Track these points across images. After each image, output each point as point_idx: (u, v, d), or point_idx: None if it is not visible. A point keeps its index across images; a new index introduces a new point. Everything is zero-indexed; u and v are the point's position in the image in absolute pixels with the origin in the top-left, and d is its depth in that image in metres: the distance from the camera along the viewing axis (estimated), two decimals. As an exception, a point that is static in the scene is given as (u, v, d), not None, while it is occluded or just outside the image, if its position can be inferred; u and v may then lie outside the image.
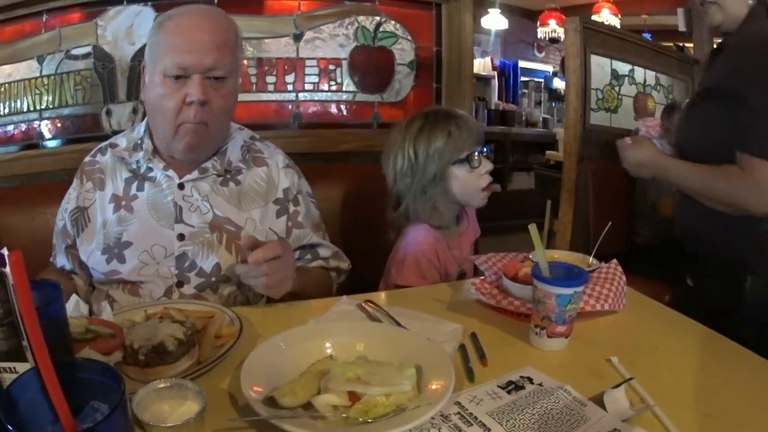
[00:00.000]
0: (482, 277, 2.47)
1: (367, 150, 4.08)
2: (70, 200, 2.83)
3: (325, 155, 4.05)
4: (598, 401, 1.62)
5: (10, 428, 1.06)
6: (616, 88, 6.24)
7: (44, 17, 3.97)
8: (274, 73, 4.04)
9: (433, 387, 1.62)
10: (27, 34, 3.98)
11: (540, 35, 13.92)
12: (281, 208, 2.80)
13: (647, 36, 9.24)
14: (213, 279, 2.62)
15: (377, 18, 4.12)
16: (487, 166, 2.87)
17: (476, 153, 2.84)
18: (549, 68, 15.22)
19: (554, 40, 13.78)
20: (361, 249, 3.21)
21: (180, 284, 2.62)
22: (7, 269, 1.17)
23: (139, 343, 1.80)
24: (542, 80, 15.22)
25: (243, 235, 2.63)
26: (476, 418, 1.58)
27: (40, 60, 3.98)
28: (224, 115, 2.60)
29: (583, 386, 1.71)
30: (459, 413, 1.59)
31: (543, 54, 15.09)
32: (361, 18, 4.10)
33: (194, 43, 2.43)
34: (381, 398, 1.56)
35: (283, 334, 1.89)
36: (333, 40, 4.08)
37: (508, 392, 1.70)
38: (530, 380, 1.76)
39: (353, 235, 3.50)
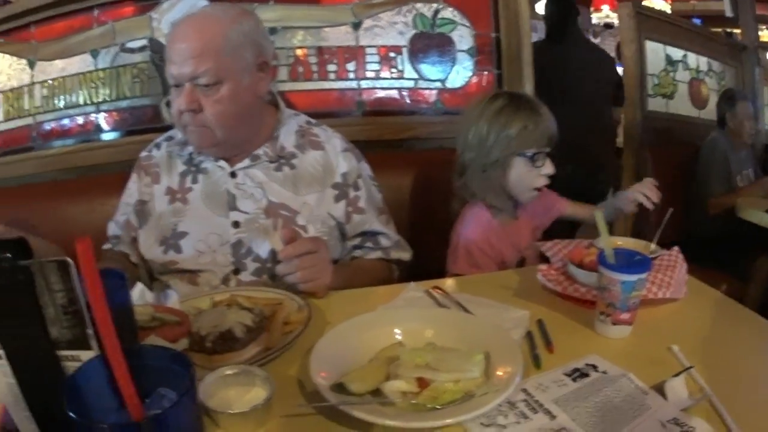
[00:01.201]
0: (549, 264, 2.43)
1: (432, 137, 4.06)
2: (131, 194, 2.90)
3: (389, 143, 4.02)
4: (659, 390, 1.61)
5: (72, 416, 1.08)
6: (671, 74, 6.18)
7: (95, 12, 4.01)
8: (335, 61, 4.02)
9: (501, 373, 1.60)
10: (78, 30, 4.03)
11: (594, 21, 13.80)
12: (340, 192, 2.79)
13: (697, 21, 9.13)
14: (269, 265, 2.63)
15: (435, 5, 4.07)
16: (549, 169, 2.83)
17: (543, 154, 2.80)
18: (606, 54, 15.09)
19: (608, 26, 13.62)
20: (426, 236, 3.19)
21: (237, 271, 2.65)
22: (70, 260, 1.21)
23: (207, 330, 1.82)
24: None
25: (297, 220, 2.67)
26: (542, 405, 1.58)
27: (95, 54, 4.02)
28: (227, 118, 2.57)
29: (645, 374, 1.69)
30: (525, 400, 1.59)
31: (599, 39, 14.94)
32: (418, 5, 4.06)
33: (176, 54, 2.49)
34: (449, 384, 1.56)
35: (352, 320, 1.90)
36: (392, 28, 4.04)
37: (574, 380, 1.69)
38: (595, 368, 1.75)
39: (418, 222, 3.48)
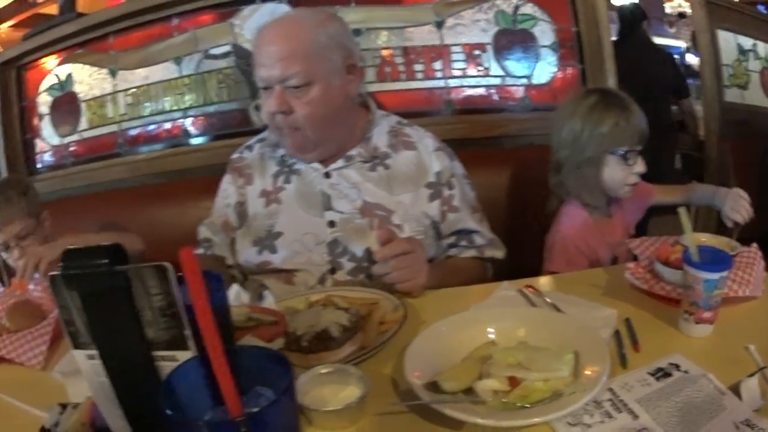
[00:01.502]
0: (637, 261, 2.42)
1: (522, 134, 4.03)
2: (228, 195, 2.96)
3: (480, 141, 4.00)
4: (735, 390, 1.60)
5: (170, 413, 1.12)
6: (744, 64, 6.04)
7: (174, 21, 4.13)
8: (421, 60, 4.03)
9: (589, 373, 1.62)
10: (157, 38, 4.15)
11: (668, 10, 13.64)
12: (434, 192, 2.79)
13: (761, 8, 8.97)
14: (365, 264, 2.64)
15: (515, 1, 4.05)
16: (640, 167, 2.82)
17: (635, 152, 2.79)
18: (682, 44, 14.86)
19: (682, 15, 13.43)
20: (519, 234, 3.19)
21: (333, 271, 2.67)
22: (168, 264, 1.25)
23: (303, 330, 1.87)
24: (677, 56, 14.83)
25: (393, 219, 2.69)
26: (626, 404, 1.59)
27: (178, 61, 4.12)
28: (319, 119, 2.60)
29: (723, 373, 1.68)
30: (611, 400, 1.61)
31: (674, 29, 14.76)
32: (498, 2, 4.04)
33: (265, 57, 2.54)
34: (539, 384, 1.58)
35: (446, 319, 1.93)
36: (475, 26, 4.03)
37: (657, 379, 1.69)
38: (677, 367, 1.74)
39: (511, 220, 3.47)
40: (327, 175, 2.75)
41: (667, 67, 6.73)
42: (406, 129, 2.91)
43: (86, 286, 1.31)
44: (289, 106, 2.52)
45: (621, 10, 6.59)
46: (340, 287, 2.48)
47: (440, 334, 1.85)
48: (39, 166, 4.72)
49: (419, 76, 4.05)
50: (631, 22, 6.52)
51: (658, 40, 14.09)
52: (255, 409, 1.16)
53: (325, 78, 2.55)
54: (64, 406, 1.65)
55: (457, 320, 1.92)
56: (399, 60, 4.03)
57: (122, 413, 1.42)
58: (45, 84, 4.59)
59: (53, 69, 4.56)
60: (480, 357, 1.72)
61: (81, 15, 4.42)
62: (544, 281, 2.47)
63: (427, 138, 2.89)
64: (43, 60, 4.58)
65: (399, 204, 2.72)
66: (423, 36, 4.02)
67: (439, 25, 4.00)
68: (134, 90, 4.30)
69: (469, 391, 1.60)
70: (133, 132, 4.35)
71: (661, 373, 1.70)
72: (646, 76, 6.01)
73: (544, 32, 4.08)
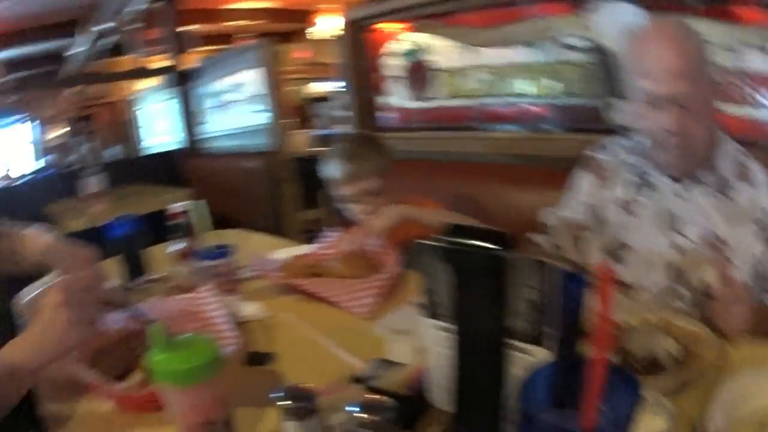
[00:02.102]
0: None
1: None
2: (583, 193, 2.95)
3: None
4: None
5: (527, 408, 1.19)
6: None
7: (529, 5, 4.16)
8: (759, 87, 3.50)
9: None
10: (512, 20, 4.23)
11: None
12: (762, 231, 2.55)
13: None
14: (700, 296, 2.51)
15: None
16: None
17: None
18: None
19: None
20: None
21: (671, 295, 2.61)
22: (548, 260, 1.36)
23: (640, 352, 1.94)
24: None
25: (732, 255, 2.52)
26: None
27: (535, 46, 4.19)
28: (708, 140, 2.53)
29: None
30: None
31: None
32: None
33: (654, 68, 2.40)
34: None
35: (752, 373, 1.81)
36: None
37: None
38: None
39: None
40: (678, 194, 2.65)
41: None
42: (745, 159, 2.66)
43: (466, 263, 1.46)
44: (686, 127, 2.42)
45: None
46: (673, 313, 2.31)
47: (742, 387, 1.73)
48: (383, 125, 5.05)
49: (755, 103, 3.55)
50: None
51: None
52: (608, 425, 1.16)
53: (711, 97, 2.50)
54: (385, 363, 1.84)
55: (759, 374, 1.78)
56: (736, 82, 3.56)
57: (453, 387, 1.57)
58: (393, 48, 4.91)
59: (402, 35, 4.83)
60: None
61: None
62: None
63: (760, 172, 2.62)
64: (388, 25, 4.87)
65: (737, 240, 2.54)
66: (758, 60, 3.52)
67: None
68: (492, 68, 4.42)
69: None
70: (489, 109, 4.49)
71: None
72: None
73: None
